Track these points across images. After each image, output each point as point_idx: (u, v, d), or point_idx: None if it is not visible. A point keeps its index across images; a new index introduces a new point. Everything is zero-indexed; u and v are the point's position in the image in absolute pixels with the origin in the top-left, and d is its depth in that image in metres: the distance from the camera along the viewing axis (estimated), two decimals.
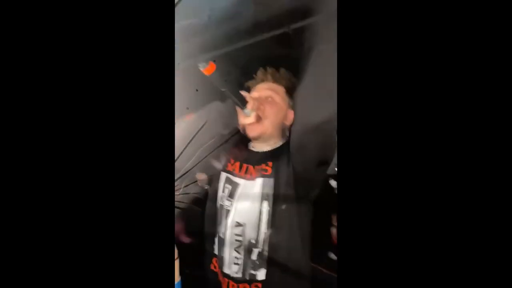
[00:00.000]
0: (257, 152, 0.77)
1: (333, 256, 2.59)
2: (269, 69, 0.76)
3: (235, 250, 0.69)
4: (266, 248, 0.65)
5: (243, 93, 0.67)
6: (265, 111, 0.71)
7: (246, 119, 0.68)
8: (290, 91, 0.73)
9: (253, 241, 0.67)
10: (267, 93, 0.73)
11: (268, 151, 0.76)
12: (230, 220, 0.71)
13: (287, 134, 0.77)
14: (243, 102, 0.67)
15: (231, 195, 0.73)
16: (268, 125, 0.72)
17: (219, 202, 0.76)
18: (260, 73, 0.77)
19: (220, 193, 0.76)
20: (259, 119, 0.70)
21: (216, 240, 0.74)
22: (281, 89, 0.74)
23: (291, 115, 0.73)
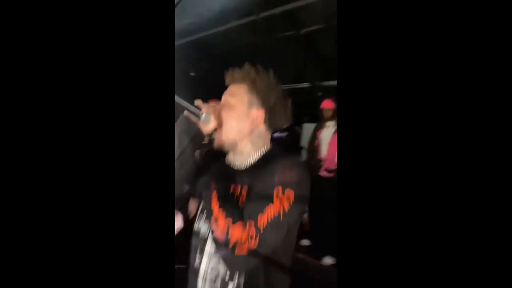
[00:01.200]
0: (235, 170, 0.66)
1: (305, 242, 2.59)
2: (231, 70, 0.67)
3: (212, 283, 0.61)
4: (241, 281, 0.58)
5: (196, 101, 0.63)
6: (221, 117, 0.63)
7: (207, 125, 0.62)
8: (255, 87, 0.63)
9: (229, 274, 0.59)
10: (223, 98, 0.66)
11: (246, 169, 0.65)
12: (208, 248, 0.63)
13: (269, 139, 0.67)
14: (197, 110, 0.63)
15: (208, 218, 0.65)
16: (229, 131, 0.63)
17: (195, 225, 0.68)
18: (226, 77, 0.69)
19: (198, 214, 0.69)
20: (219, 126, 0.63)
21: (190, 272, 0.66)
22: (241, 88, 0.64)
23: (259, 115, 0.63)
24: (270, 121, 0.64)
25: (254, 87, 0.63)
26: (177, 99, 0.62)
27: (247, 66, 0.65)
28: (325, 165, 2.40)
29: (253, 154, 0.65)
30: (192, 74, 2.67)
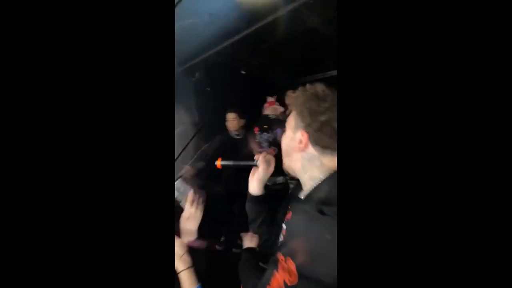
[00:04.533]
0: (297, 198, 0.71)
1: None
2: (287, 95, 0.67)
3: None
4: None
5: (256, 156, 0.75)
6: (269, 156, 0.74)
7: (259, 169, 0.73)
8: (301, 108, 0.60)
9: None
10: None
11: (300, 200, 0.66)
12: None
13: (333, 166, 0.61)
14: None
15: None
16: (284, 159, 0.67)
17: None
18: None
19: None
20: (267, 165, 0.73)
21: None
22: (292, 113, 0.64)
23: (302, 137, 0.60)
24: (318, 142, 0.58)
25: (301, 109, 0.60)
26: (228, 162, 0.76)
27: (299, 89, 0.63)
28: None
29: (307, 184, 0.62)
30: (243, 72, 2.64)
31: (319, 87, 0.60)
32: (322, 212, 0.49)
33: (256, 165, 0.74)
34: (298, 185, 0.68)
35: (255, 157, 0.73)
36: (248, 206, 0.78)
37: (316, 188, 0.58)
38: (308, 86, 0.61)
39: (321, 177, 0.58)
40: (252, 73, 2.57)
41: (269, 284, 0.50)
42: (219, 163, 0.76)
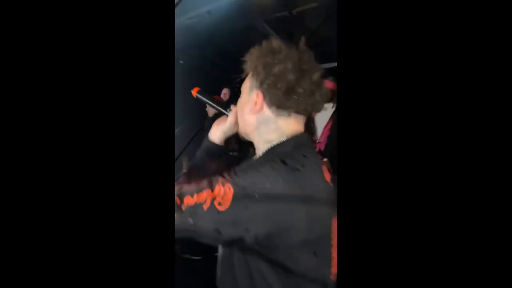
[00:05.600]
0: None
1: None
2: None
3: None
4: None
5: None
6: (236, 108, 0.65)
7: (228, 121, 0.66)
8: (256, 67, 0.56)
9: None
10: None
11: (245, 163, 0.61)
12: None
13: (294, 129, 0.58)
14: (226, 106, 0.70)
15: None
16: (240, 123, 0.63)
17: None
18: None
19: None
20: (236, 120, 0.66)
21: None
22: (248, 76, 0.60)
23: (257, 97, 0.56)
24: (273, 102, 0.54)
25: (255, 65, 0.55)
26: (203, 97, 0.71)
27: (252, 50, 0.57)
28: (317, 147, 2.40)
29: (261, 148, 0.58)
30: (181, 62, 2.57)
31: (275, 42, 0.55)
32: (284, 162, 0.47)
33: (226, 114, 0.68)
34: (251, 151, 0.66)
35: (232, 107, 0.67)
36: (201, 152, 0.70)
37: (275, 146, 0.55)
38: (264, 42, 0.57)
39: (276, 142, 0.56)
40: (191, 64, 2.43)
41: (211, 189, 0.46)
42: (194, 92, 0.73)
